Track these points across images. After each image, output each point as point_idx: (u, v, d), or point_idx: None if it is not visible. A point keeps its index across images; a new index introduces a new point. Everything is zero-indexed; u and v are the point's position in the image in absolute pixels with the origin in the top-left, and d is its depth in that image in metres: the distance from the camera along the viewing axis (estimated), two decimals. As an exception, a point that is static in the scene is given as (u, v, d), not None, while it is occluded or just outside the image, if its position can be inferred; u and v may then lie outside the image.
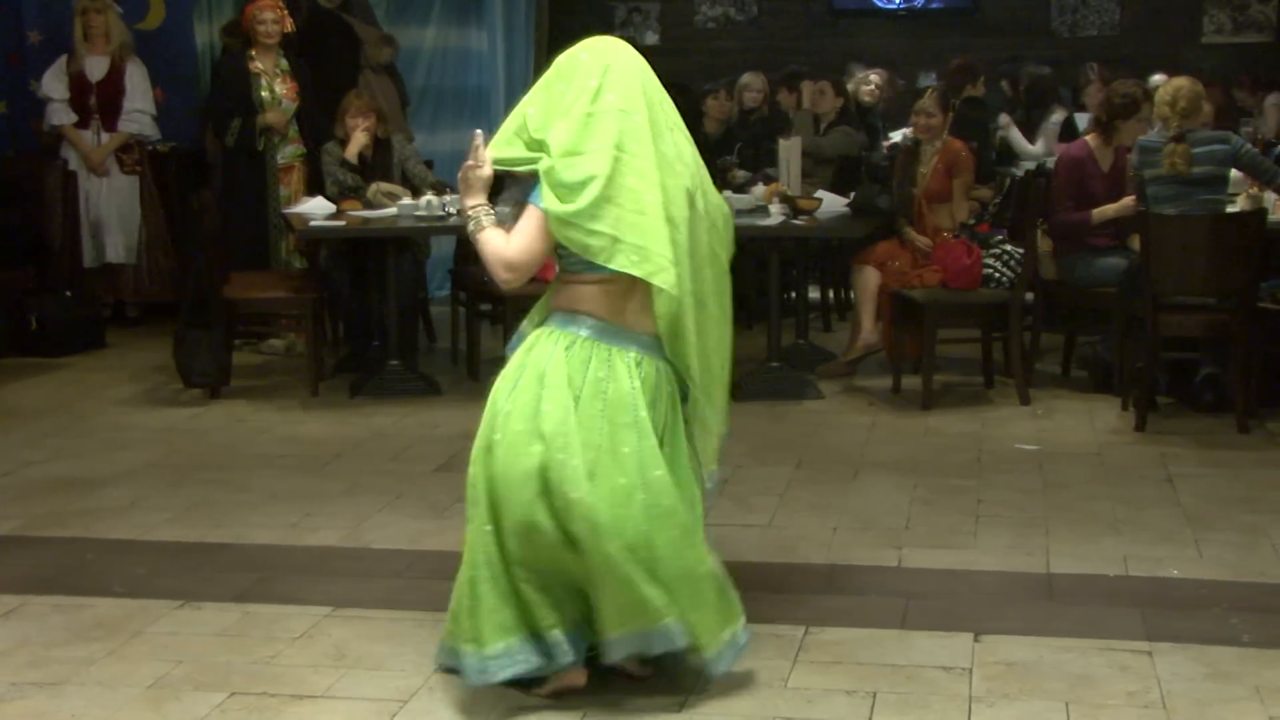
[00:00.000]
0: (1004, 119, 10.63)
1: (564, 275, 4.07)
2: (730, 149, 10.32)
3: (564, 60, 4.04)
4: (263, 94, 8.90)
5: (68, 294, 9.23)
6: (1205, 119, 7.34)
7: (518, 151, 4.02)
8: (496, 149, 4.05)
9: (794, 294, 9.11)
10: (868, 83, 10.48)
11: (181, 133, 10.17)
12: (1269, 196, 7.55)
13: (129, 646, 4.42)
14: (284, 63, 9.01)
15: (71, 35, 9.61)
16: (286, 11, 9.08)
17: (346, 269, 8.34)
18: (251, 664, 4.28)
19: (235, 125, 8.86)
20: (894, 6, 13.67)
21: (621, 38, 4.21)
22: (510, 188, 4.13)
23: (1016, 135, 10.58)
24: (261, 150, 8.92)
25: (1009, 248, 7.68)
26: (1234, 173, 7.51)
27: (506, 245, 3.98)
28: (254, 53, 8.96)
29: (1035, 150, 10.42)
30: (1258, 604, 4.74)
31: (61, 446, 6.90)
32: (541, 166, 3.93)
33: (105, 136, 9.61)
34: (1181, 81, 7.37)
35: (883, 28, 13.66)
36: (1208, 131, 7.31)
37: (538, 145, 3.97)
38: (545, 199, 3.91)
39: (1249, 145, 7.54)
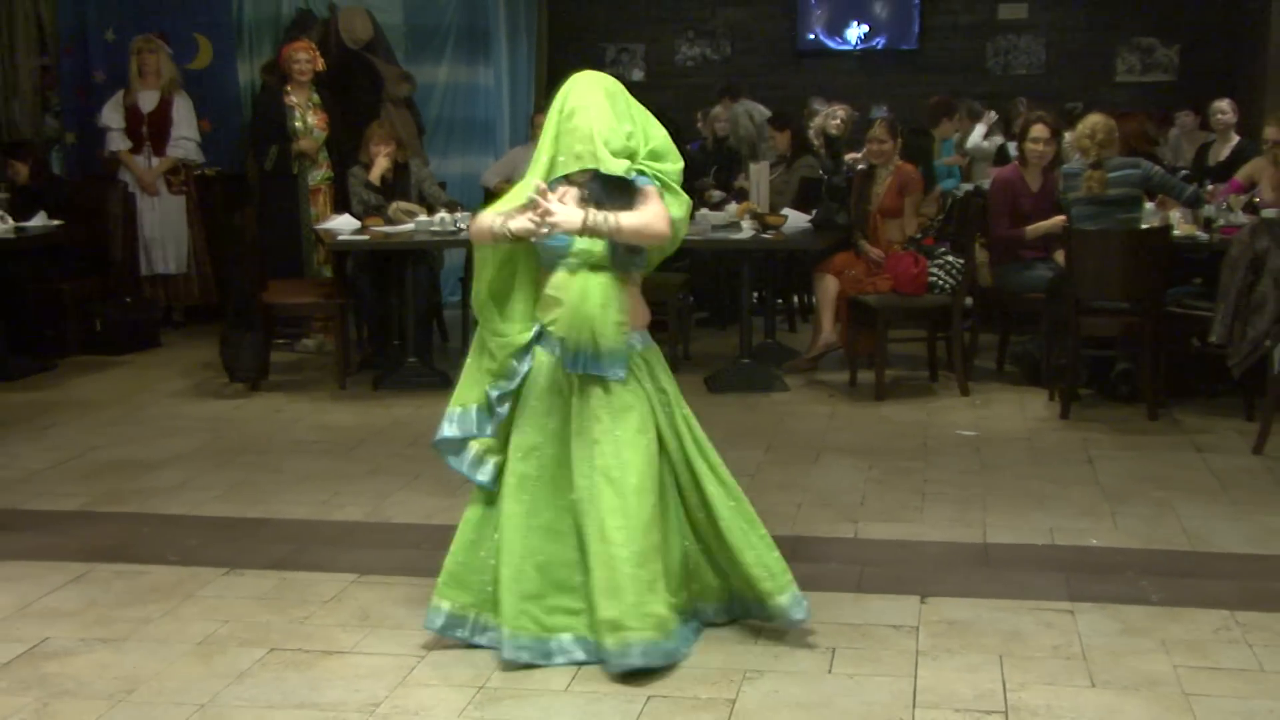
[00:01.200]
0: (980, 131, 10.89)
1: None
2: (706, 171, 10.33)
3: (611, 86, 4.09)
4: (296, 124, 8.89)
5: (127, 300, 9.21)
6: (1119, 149, 7.39)
7: (618, 161, 3.97)
8: (607, 164, 3.93)
9: (762, 298, 9.12)
10: (834, 117, 10.47)
11: (225, 159, 10.18)
12: (1174, 215, 7.57)
13: (181, 608, 4.42)
14: (315, 97, 9.00)
15: (129, 73, 9.60)
16: (318, 52, 9.09)
17: (370, 277, 8.32)
18: (288, 623, 4.28)
19: (273, 152, 8.86)
20: (849, 48, 13.68)
21: (611, 74, 4.22)
22: (588, 185, 4.01)
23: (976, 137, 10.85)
24: (295, 174, 8.90)
25: (951, 258, 7.68)
26: (1148, 206, 7.56)
27: (659, 211, 3.96)
28: (289, 88, 8.95)
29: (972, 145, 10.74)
30: (1165, 568, 4.76)
31: (121, 433, 6.88)
32: (647, 169, 4.01)
33: (155, 160, 9.59)
34: (1098, 118, 7.45)
35: (839, 65, 13.68)
36: (1121, 159, 7.34)
37: (628, 153, 3.99)
38: (666, 198, 4.01)
39: (1157, 168, 7.58)
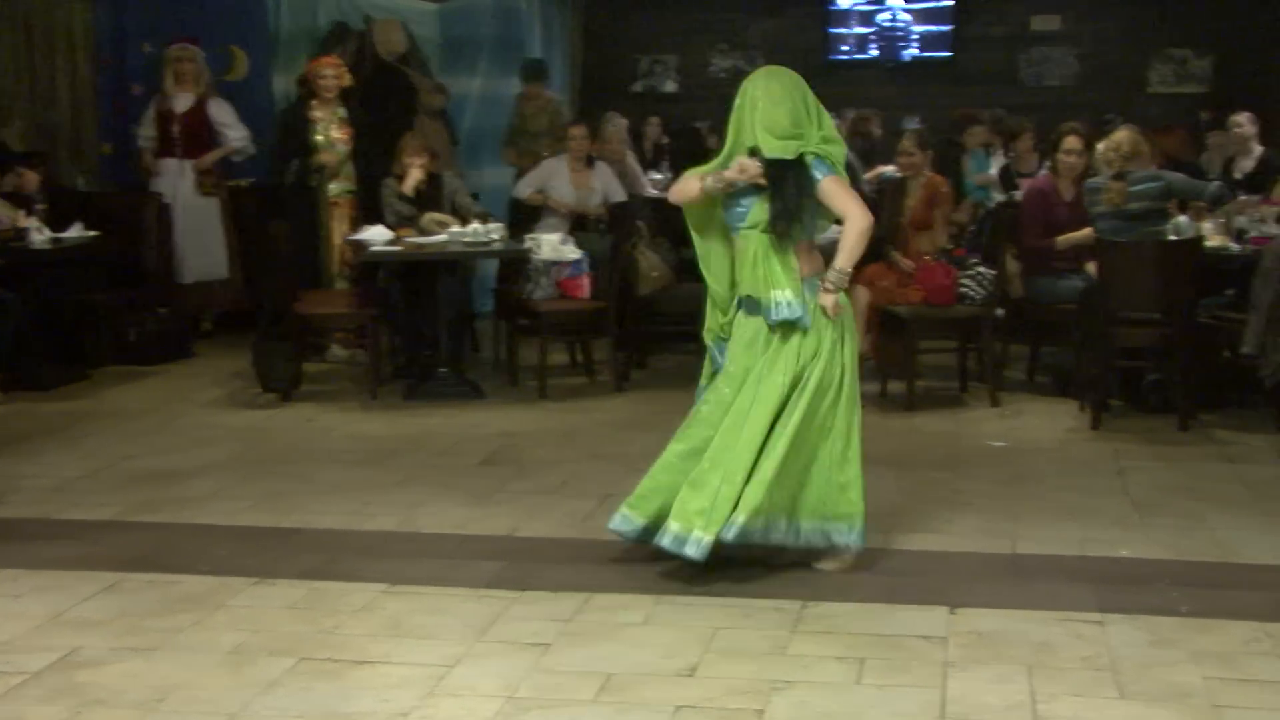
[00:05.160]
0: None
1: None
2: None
3: (785, 78, 4.78)
4: (318, 138, 8.89)
5: (161, 311, 9.25)
6: (1159, 163, 7.37)
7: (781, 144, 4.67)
8: (774, 150, 4.64)
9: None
10: (844, 123, 10.45)
11: (259, 170, 10.20)
12: (1205, 226, 7.53)
13: (212, 617, 4.43)
14: (340, 111, 8.99)
15: (163, 81, 9.61)
16: (345, 68, 9.10)
17: (402, 287, 8.34)
18: (318, 633, 4.29)
19: (294, 166, 8.88)
20: (881, 59, 13.67)
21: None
22: (781, 181, 4.65)
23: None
24: (315, 186, 8.92)
25: (982, 269, 7.66)
26: (1183, 220, 7.52)
27: (854, 210, 4.66)
28: (315, 103, 8.96)
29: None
30: (1195, 579, 4.73)
31: (154, 443, 6.92)
32: (819, 150, 4.68)
33: (189, 165, 9.57)
34: (1125, 132, 7.49)
35: (872, 77, 13.67)
36: (1144, 172, 7.33)
37: (793, 137, 4.66)
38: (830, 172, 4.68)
39: (1179, 175, 7.56)
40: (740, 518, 4.55)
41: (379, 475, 6.25)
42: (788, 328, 4.69)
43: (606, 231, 8.76)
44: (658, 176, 11.19)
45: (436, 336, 8.05)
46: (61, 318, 8.67)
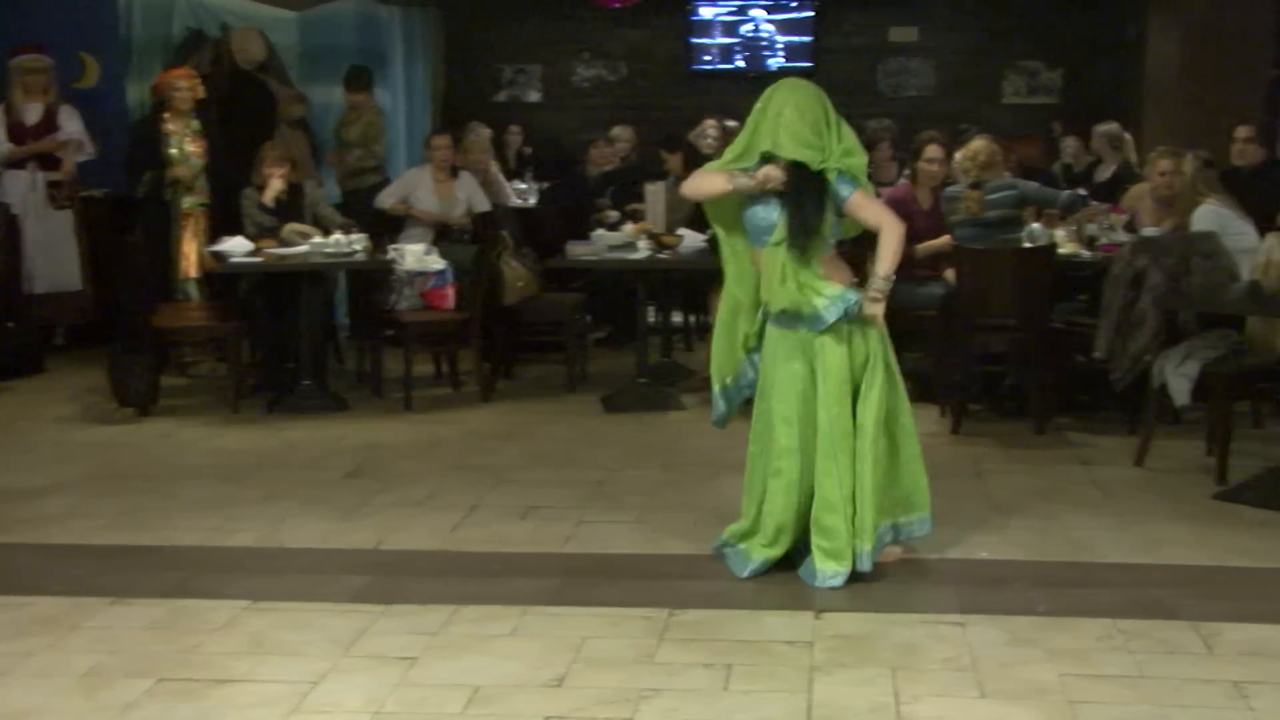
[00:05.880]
0: None
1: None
2: (604, 193, 10.34)
3: (810, 90, 4.83)
4: (172, 151, 8.70)
5: (9, 325, 8.98)
6: (1015, 171, 7.55)
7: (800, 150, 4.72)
8: (788, 150, 4.71)
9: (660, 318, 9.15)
10: (705, 135, 10.51)
11: (113, 180, 9.93)
12: (1059, 234, 7.72)
13: (66, 640, 4.32)
14: (195, 124, 8.80)
15: (9, 91, 9.32)
16: (199, 80, 8.92)
17: (264, 299, 8.23)
18: (178, 653, 4.20)
19: (147, 178, 8.68)
20: (743, 69, 13.79)
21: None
22: (800, 194, 4.72)
23: None
24: (168, 200, 8.72)
25: (843, 277, 7.75)
26: (1036, 227, 7.71)
27: (888, 221, 4.74)
28: (168, 115, 8.76)
29: None
30: (1052, 579, 4.85)
31: (6, 461, 6.72)
32: (841, 165, 4.73)
33: (40, 176, 9.30)
34: (981, 142, 7.67)
35: (733, 86, 13.77)
36: (999, 181, 7.50)
37: (815, 148, 4.71)
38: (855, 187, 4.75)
39: (1032, 184, 7.74)
40: (866, 546, 4.70)
41: (241, 490, 6.15)
42: (833, 341, 4.73)
43: (471, 241, 8.73)
44: (522, 186, 11.18)
45: (299, 348, 7.95)
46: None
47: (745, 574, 4.82)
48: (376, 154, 9.79)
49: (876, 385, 4.75)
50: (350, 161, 9.75)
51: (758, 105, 4.83)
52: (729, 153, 4.92)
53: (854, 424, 4.74)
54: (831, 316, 4.70)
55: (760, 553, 4.85)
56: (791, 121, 4.69)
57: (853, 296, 4.73)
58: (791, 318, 4.77)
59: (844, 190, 4.72)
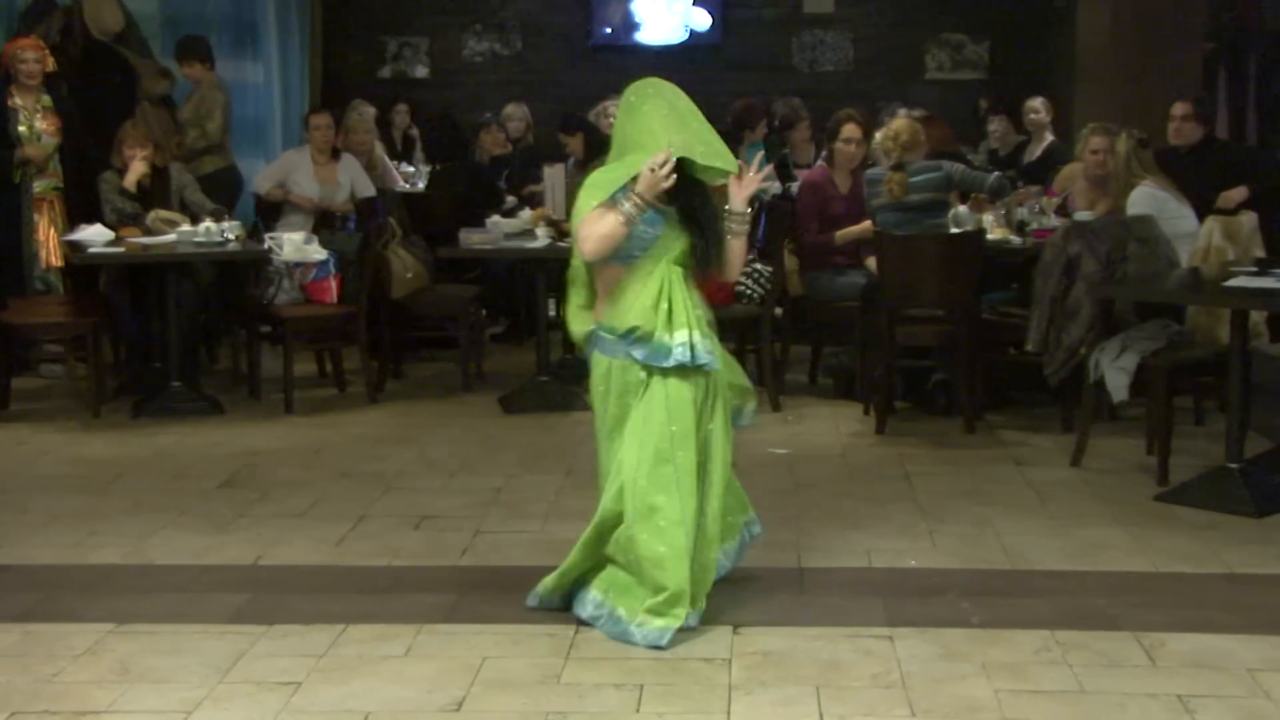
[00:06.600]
0: None
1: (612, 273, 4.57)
2: (499, 176, 10.30)
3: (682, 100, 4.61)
4: (21, 129, 8.54)
5: None
6: (923, 153, 7.61)
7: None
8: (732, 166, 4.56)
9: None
10: (606, 115, 10.51)
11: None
12: (987, 218, 7.81)
13: (-91, 670, 4.22)
14: (46, 99, 8.64)
15: None
16: (48, 51, 8.76)
17: (127, 293, 8.10)
18: (33, 683, 4.11)
19: None
20: (648, 44, 13.79)
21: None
22: (701, 205, 4.57)
23: None
24: (18, 183, 8.55)
25: (759, 266, 7.80)
26: (962, 209, 7.79)
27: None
28: (14, 90, 8.58)
29: None
30: (985, 588, 4.89)
31: None
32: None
33: None
34: (903, 121, 7.76)
35: (638, 62, 13.70)
36: (923, 162, 7.56)
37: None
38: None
39: (959, 166, 7.81)
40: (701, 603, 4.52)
41: (104, 503, 6.06)
42: (678, 372, 4.46)
43: (355, 229, 8.65)
44: (409, 169, 11.10)
45: (167, 347, 7.84)
46: None
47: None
48: (209, 133, 9.48)
49: (719, 426, 4.62)
50: (186, 143, 9.51)
51: (621, 111, 4.66)
52: (601, 177, 4.62)
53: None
54: (676, 361, 4.42)
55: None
56: (686, 126, 4.50)
57: (706, 357, 4.46)
58: (639, 341, 4.46)
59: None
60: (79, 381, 8.39)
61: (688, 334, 4.43)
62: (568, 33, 13.87)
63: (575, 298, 4.77)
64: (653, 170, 4.38)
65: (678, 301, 4.48)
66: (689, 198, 4.54)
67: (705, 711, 3.90)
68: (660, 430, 4.44)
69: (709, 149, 4.51)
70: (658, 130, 4.50)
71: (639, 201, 4.41)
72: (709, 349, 4.47)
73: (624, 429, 4.52)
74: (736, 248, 4.63)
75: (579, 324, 4.73)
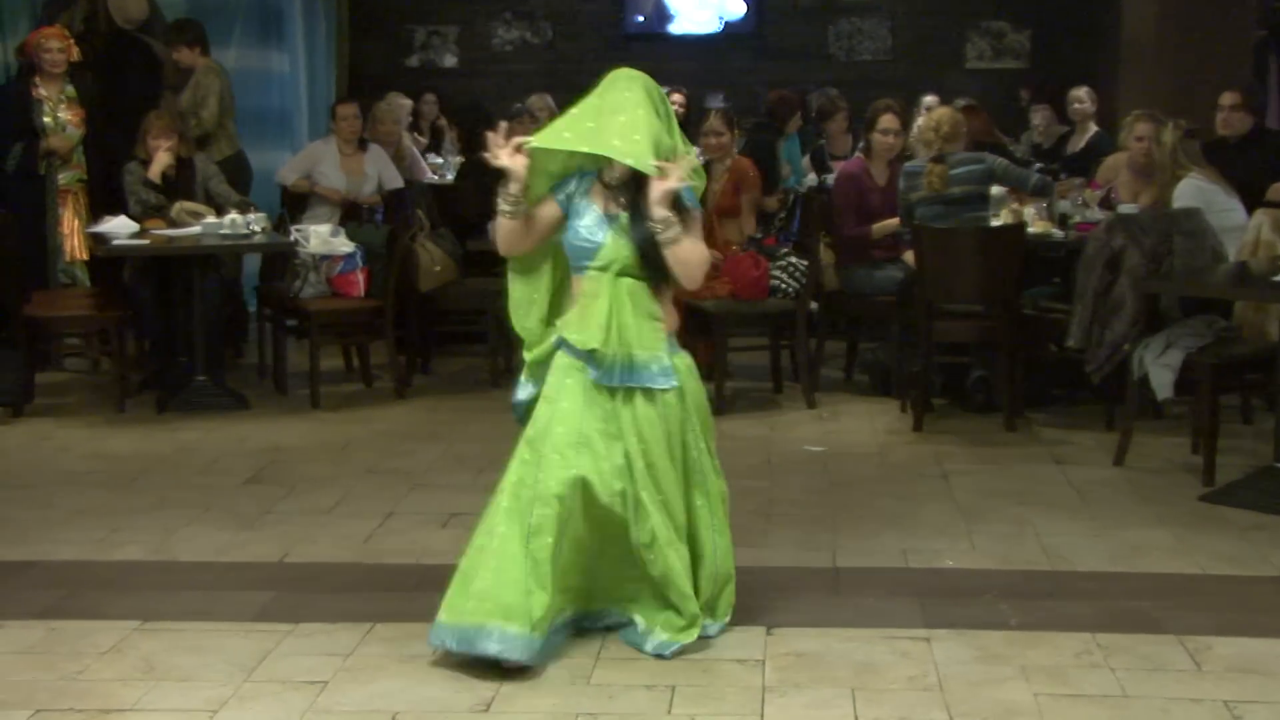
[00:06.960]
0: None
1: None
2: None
3: (650, 86, 4.34)
4: (46, 120, 8.61)
5: None
6: (963, 144, 7.59)
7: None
8: (647, 165, 4.19)
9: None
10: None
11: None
12: (1028, 211, 7.79)
13: (-69, 667, 4.26)
14: (70, 89, 8.71)
15: None
16: (73, 40, 8.81)
17: (151, 286, 8.14)
18: (58, 680, 4.15)
19: (16, 150, 8.56)
20: (681, 34, 13.79)
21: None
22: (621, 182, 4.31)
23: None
24: (43, 174, 8.61)
25: (794, 260, 7.79)
26: (996, 190, 7.76)
27: (704, 253, 4.38)
28: (39, 80, 8.65)
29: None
30: (1024, 590, 4.88)
31: None
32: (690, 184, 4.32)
33: None
34: (943, 111, 7.72)
35: (673, 51, 13.77)
36: (964, 154, 7.54)
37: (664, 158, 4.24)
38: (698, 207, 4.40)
39: (1001, 160, 7.80)
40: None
41: (128, 499, 6.09)
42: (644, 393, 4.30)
43: (382, 222, 8.68)
44: (438, 160, 11.12)
45: (192, 340, 7.88)
46: None
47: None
48: (203, 121, 9.43)
49: (701, 452, 4.51)
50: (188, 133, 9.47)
51: (594, 95, 4.34)
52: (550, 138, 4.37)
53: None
54: (637, 383, 4.28)
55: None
56: (648, 122, 4.23)
57: (669, 381, 4.31)
58: (595, 357, 4.28)
59: (688, 199, 4.34)
60: (103, 376, 8.45)
61: (642, 354, 4.27)
62: (599, 22, 13.88)
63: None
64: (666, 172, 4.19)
65: (632, 317, 4.29)
66: (639, 203, 4.28)
67: (738, 713, 3.90)
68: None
69: (597, 139, 4.22)
70: (559, 122, 4.37)
71: (508, 195, 4.29)
72: (664, 368, 4.29)
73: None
74: (680, 254, 4.25)
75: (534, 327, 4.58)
